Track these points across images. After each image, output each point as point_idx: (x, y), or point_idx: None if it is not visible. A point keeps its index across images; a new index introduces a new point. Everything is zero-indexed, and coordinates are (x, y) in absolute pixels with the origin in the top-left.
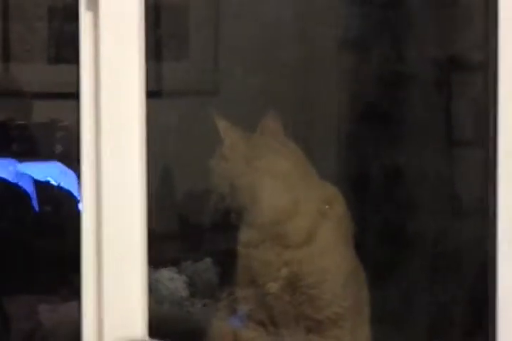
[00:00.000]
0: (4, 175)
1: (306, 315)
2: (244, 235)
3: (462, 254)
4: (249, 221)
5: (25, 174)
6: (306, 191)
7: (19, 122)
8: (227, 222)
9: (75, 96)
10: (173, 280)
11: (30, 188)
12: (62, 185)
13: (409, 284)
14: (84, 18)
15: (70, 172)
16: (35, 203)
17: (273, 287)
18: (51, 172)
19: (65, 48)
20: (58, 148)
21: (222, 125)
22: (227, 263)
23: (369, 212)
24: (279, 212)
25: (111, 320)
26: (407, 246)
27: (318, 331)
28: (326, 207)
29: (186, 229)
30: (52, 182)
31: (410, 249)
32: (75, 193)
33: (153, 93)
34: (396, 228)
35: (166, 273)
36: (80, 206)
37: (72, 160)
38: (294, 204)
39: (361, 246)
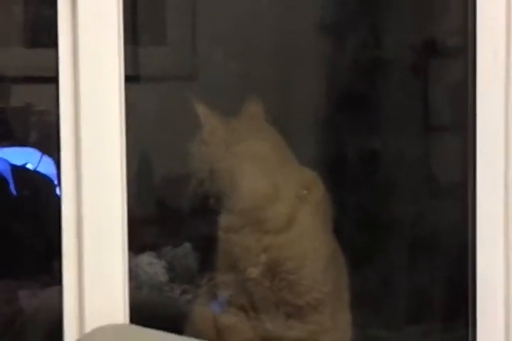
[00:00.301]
0: None
1: (286, 301)
2: (225, 220)
3: (440, 237)
4: (229, 206)
5: (2, 158)
6: (285, 176)
7: None
8: (206, 207)
9: (52, 80)
10: (152, 265)
11: (7, 173)
12: (39, 169)
13: (388, 268)
14: (63, 1)
15: (46, 158)
16: (12, 188)
17: (253, 272)
18: (27, 157)
19: (42, 32)
20: (34, 134)
21: (201, 110)
22: (206, 248)
23: (347, 197)
24: (258, 198)
25: (92, 306)
26: (386, 229)
27: (298, 316)
28: (305, 192)
29: (165, 214)
30: (30, 166)
31: (389, 232)
32: (53, 178)
33: (132, 78)
34: (374, 212)
35: (145, 258)
36: (58, 191)
37: (47, 145)
38: (273, 190)
39: (340, 231)
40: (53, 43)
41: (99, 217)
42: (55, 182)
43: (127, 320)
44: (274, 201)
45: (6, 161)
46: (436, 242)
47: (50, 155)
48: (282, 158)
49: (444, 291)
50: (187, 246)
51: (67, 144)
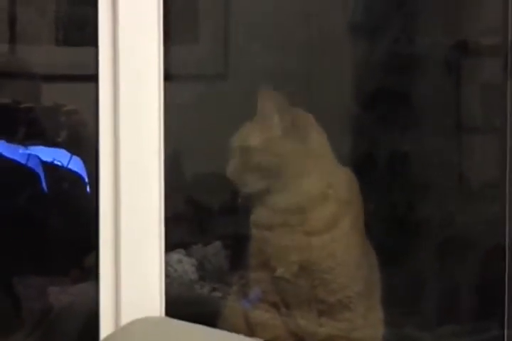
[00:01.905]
0: (14, 157)
1: (319, 298)
2: (261, 218)
3: (475, 238)
4: (271, 204)
5: (33, 155)
6: (335, 176)
7: (24, 105)
8: (241, 205)
9: (85, 79)
10: (182, 262)
11: (39, 170)
12: (70, 167)
13: (421, 268)
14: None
15: (75, 157)
16: (44, 184)
17: (288, 271)
18: (57, 156)
19: (78, 30)
20: (64, 133)
21: (266, 103)
22: (237, 246)
23: (379, 197)
24: (311, 197)
25: (128, 299)
26: (419, 229)
27: (330, 314)
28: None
29: (197, 212)
30: (61, 164)
31: (423, 232)
32: (83, 175)
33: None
34: (406, 212)
35: (174, 256)
36: (89, 188)
37: (77, 145)
38: (326, 190)
39: (372, 231)
40: (88, 41)
41: (137, 213)
42: (86, 179)
43: (163, 313)
44: (323, 202)
45: (38, 157)
46: (471, 242)
47: (79, 155)
48: (333, 157)
49: (478, 291)
50: (217, 244)
51: (106, 142)
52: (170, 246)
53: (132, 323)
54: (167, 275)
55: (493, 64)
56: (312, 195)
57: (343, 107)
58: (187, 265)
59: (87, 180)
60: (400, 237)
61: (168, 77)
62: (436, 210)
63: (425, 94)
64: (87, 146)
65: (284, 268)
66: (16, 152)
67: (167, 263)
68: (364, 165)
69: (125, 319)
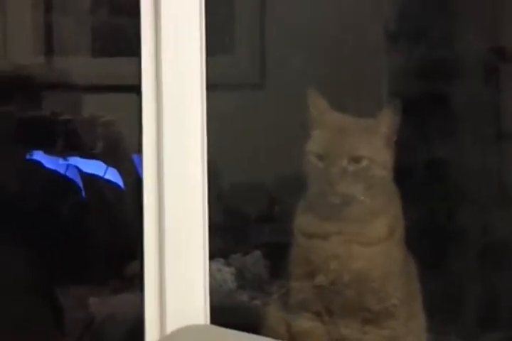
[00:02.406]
0: (55, 167)
1: (365, 307)
2: (312, 226)
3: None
4: (322, 212)
5: (73, 165)
6: (392, 189)
7: (63, 117)
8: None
9: (126, 89)
10: (221, 271)
11: (79, 180)
12: (109, 177)
13: (461, 276)
14: (145, 4)
15: (112, 169)
16: (83, 195)
17: (338, 280)
18: (95, 167)
19: (121, 41)
20: (100, 145)
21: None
22: (277, 255)
23: (419, 205)
24: (371, 211)
25: (173, 307)
26: (458, 238)
27: (374, 322)
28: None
29: (237, 221)
30: (100, 174)
31: (461, 241)
32: (121, 185)
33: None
34: (446, 221)
35: (213, 265)
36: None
37: (113, 157)
38: (385, 204)
39: (413, 239)
40: (128, 52)
41: (180, 218)
42: (123, 189)
43: (208, 321)
44: (383, 214)
45: (77, 168)
46: (507, 250)
47: (115, 166)
48: None
49: None
50: (257, 254)
51: (149, 153)
52: (210, 255)
53: (178, 331)
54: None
55: None
56: (375, 207)
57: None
58: (226, 274)
59: (123, 189)
60: (440, 246)
61: (208, 87)
62: (476, 218)
63: (464, 101)
64: (124, 158)
65: (333, 277)
66: (55, 163)
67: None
68: (403, 173)
69: (170, 327)
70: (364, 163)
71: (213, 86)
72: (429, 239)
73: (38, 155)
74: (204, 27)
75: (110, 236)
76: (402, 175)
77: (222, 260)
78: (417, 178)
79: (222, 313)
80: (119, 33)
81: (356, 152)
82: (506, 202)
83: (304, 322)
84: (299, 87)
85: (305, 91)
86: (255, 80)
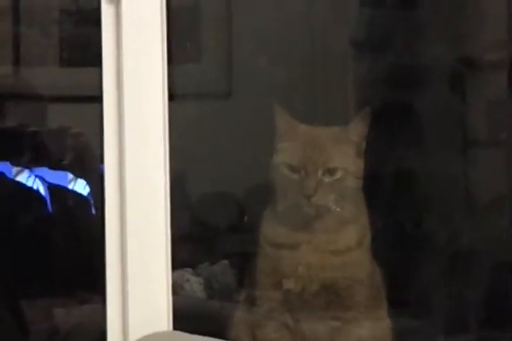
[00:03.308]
0: (19, 179)
1: (333, 315)
2: (280, 236)
3: (483, 253)
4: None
5: (39, 177)
6: (361, 196)
7: (31, 129)
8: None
9: (88, 99)
10: (189, 281)
11: (45, 192)
12: (75, 189)
13: (426, 282)
14: (106, 15)
15: (80, 180)
16: (50, 207)
17: (308, 289)
18: (61, 178)
19: (79, 51)
20: (69, 156)
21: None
22: (244, 265)
23: (384, 213)
24: (342, 221)
25: (136, 315)
26: (424, 245)
27: (342, 329)
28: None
29: (203, 231)
30: (66, 186)
31: (427, 248)
32: (88, 197)
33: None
34: (410, 229)
35: (181, 275)
36: (94, 210)
37: (82, 168)
38: (355, 214)
39: (378, 247)
40: (90, 62)
41: (143, 229)
42: (92, 201)
43: (171, 327)
44: (353, 223)
45: (43, 180)
46: (477, 258)
47: (84, 177)
48: None
49: (485, 305)
50: (224, 263)
51: (111, 163)
52: (177, 264)
53: (143, 339)
54: (175, 293)
55: (498, 79)
56: (346, 216)
57: (346, 123)
58: (194, 284)
59: (92, 201)
60: (406, 253)
61: (171, 96)
62: (442, 226)
63: (431, 109)
64: (91, 169)
65: (303, 285)
66: (21, 175)
67: (175, 282)
68: (370, 182)
69: (133, 335)
70: (339, 174)
71: (180, 95)
72: (396, 247)
73: (2, 166)
74: (165, 37)
75: (77, 248)
76: (369, 183)
77: (190, 270)
78: (384, 187)
79: (187, 322)
80: (87, 43)
81: (331, 163)
82: (472, 209)
83: (271, 332)
84: (266, 96)
85: (272, 101)
86: (222, 89)
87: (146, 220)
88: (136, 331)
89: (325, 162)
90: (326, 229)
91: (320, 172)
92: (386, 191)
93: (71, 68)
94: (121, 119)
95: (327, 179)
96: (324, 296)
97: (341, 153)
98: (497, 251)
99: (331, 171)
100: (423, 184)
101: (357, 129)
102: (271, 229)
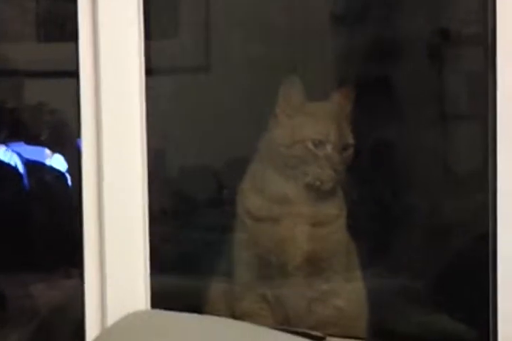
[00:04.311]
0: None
1: (312, 287)
2: (262, 209)
3: (461, 225)
4: (278, 194)
5: (16, 152)
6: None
7: (6, 105)
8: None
9: (65, 75)
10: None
11: (21, 167)
12: (51, 164)
13: (403, 254)
14: None
15: (57, 155)
16: (26, 182)
17: (291, 262)
18: (39, 154)
19: (56, 26)
20: (46, 132)
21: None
22: (223, 238)
23: (362, 187)
24: (329, 192)
25: (113, 294)
26: (402, 218)
27: (320, 300)
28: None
29: (184, 205)
30: (43, 162)
31: (407, 221)
32: (65, 173)
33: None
34: (390, 203)
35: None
36: (71, 185)
37: (59, 144)
38: (335, 186)
39: (357, 220)
40: (68, 37)
41: (120, 205)
42: (68, 177)
43: (148, 306)
44: (335, 194)
45: (20, 156)
46: (455, 230)
47: (61, 152)
48: None
49: (463, 279)
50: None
51: (88, 138)
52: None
53: (125, 318)
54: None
55: (475, 51)
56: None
57: (325, 97)
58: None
59: (68, 177)
60: (385, 226)
61: (150, 70)
62: (420, 199)
63: (409, 82)
64: (69, 144)
65: (287, 259)
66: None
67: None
68: None
69: (111, 313)
70: (351, 150)
71: (159, 70)
72: (375, 218)
73: None
74: (142, 11)
75: (54, 223)
76: None
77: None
78: (363, 159)
79: (165, 300)
80: (64, 18)
81: (348, 139)
82: (450, 182)
83: (250, 304)
84: (244, 70)
85: (250, 74)
86: (200, 63)
87: (124, 194)
88: (114, 310)
89: (344, 138)
90: (312, 202)
91: (341, 148)
92: (365, 164)
93: (49, 43)
94: (97, 94)
95: (345, 154)
96: (304, 268)
97: (347, 129)
98: (474, 222)
99: (346, 146)
100: (401, 156)
101: (346, 103)
102: (252, 202)
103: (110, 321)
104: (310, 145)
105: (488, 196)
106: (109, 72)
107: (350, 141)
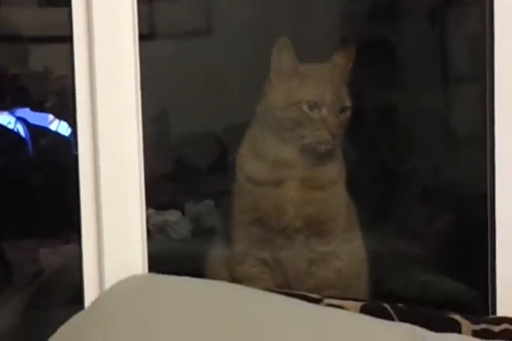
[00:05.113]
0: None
1: (313, 249)
2: (262, 173)
3: (460, 188)
4: (275, 158)
5: (20, 118)
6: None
7: (11, 72)
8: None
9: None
10: (178, 222)
11: (25, 133)
12: (56, 130)
13: (405, 217)
14: None
15: (62, 122)
16: (30, 148)
17: (291, 225)
18: (44, 120)
19: None
20: (51, 99)
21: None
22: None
23: (365, 150)
24: (320, 155)
25: (111, 258)
26: (405, 181)
27: (320, 262)
28: None
29: (186, 171)
30: (48, 127)
31: (406, 184)
32: (69, 138)
33: (147, 35)
34: (393, 165)
35: (169, 216)
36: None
37: (65, 110)
38: (333, 149)
39: (360, 183)
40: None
41: (117, 176)
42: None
43: (146, 270)
44: (335, 156)
45: (25, 120)
46: (455, 192)
47: (65, 118)
48: None
49: (462, 241)
50: (208, 202)
51: (83, 103)
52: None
53: (122, 282)
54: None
55: (476, 13)
56: (331, 152)
57: (325, 60)
58: (183, 224)
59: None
60: (385, 188)
61: (151, 35)
62: (421, 161)
63: (409, 45)
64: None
65: (286, 223)
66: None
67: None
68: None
69: (108, 277)
70: (348, 112)
71: (160, 33)
72: (374, 182)
73: None
74: None
75: (60, 190)
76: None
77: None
78: (363, 121)
79: (163, 264)
80: None
81: (345, 102)
82: (453, 145)
83: (250, 267)
84: (245, 33)
85: (253, 38)
86: (202, 27)
87: (119, 160)
88: (111, 275)
89: (340, 100)
90: (312, 165)
91: (337, 110)
92: (365, 125)
93: (51, 8)
94: (91, 59)
95: (341, 117)
96: (305, 231)
97: (345, 91)
98: (474, 184)
99: (343, 109)
100: (403, 119)
101: (346, 65)
102: (252, 166)
103: (108, 285)
104: (305, 108)
105: (487, 157)
106: (103, 37)
107: (348, 103)
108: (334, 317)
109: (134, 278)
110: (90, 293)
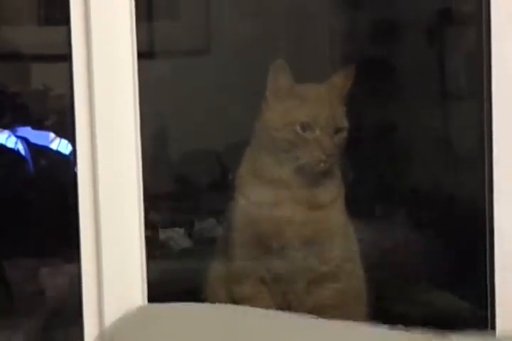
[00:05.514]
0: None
1: (311, 269)
2: (261, 193)
3: (458, 203)
4: (274, 178)
5: (21, 137)
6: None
7: (11, 90)
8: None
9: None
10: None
11: (26, 152)
12: (57, 149)
13: (403, 233)
14: None
15: (63, 140)
16: (31, 167)
17: (288, 245)
18: (44, 138)
19: (55, 9)
20: (52, 117)
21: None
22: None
23: (363, 167)
24: (328, 174)
25: (110, 288)
26: (404, 196)
27: (318, 283)
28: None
29: (187, 189)
30: (48, 146)
31: (407, 198)
32: (70, 157)
33: (145, 54)
34: (392, 181)
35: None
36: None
37: (64, 129)
38: (333, 168)
39: (359, 199)
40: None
41: (115, 196)
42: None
43: (145, 301)
44: (333, 176)
45: (26, 139)
46: (454, 209)
47: (66, 137)
48: None
49: (462, 257)
50: (212, 221)
51: (82, 121)
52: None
53: (123, 317)
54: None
55: (474, 31)
56: (330, 171)
57: (326, 77)
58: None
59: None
60: (387, 204)
61: (151, 54)
62: (421, 177)
63: (408, 63)
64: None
65: (285, 243)
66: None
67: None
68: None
69: (108, 307)
70: (344, 133)
71: (159, 52)
72: (373, 200)
73: None
74: None
75: (58, 208)
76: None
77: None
78: (363, 139)
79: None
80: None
81: (340, 123)
82: (450, 160)
83: (247, 288)
84: (245, 52)
85: (251, 57)
86: (201, 46)
87: (118, 180)
88: (111, 303)
89: (335, 121)
90: (309, 185)
91: (332, 131)
92: (366, 144)
93: (50, 27)
94: (90, 77)
95: (336, 138)
96: (303, 251)
97: (341, 112)
98: (472, 199)
99: (338, 130)
100: (402, 136)
101: (344, 85)
102: (249, 186)
103: (107, 303)
104: (298, 129)
105: (485, 173)
106: (101, 56)
107: (344, 124)
108: (343, 331)
109: (134, 315)
110: (90, 314)
